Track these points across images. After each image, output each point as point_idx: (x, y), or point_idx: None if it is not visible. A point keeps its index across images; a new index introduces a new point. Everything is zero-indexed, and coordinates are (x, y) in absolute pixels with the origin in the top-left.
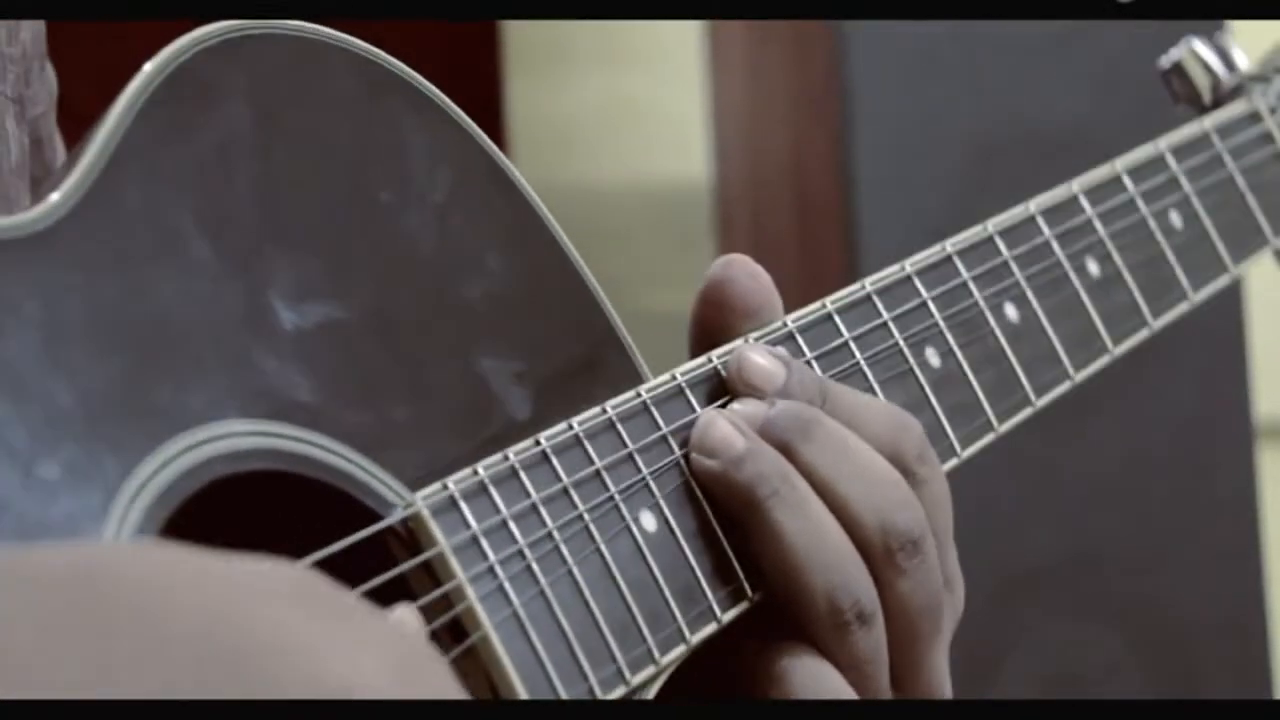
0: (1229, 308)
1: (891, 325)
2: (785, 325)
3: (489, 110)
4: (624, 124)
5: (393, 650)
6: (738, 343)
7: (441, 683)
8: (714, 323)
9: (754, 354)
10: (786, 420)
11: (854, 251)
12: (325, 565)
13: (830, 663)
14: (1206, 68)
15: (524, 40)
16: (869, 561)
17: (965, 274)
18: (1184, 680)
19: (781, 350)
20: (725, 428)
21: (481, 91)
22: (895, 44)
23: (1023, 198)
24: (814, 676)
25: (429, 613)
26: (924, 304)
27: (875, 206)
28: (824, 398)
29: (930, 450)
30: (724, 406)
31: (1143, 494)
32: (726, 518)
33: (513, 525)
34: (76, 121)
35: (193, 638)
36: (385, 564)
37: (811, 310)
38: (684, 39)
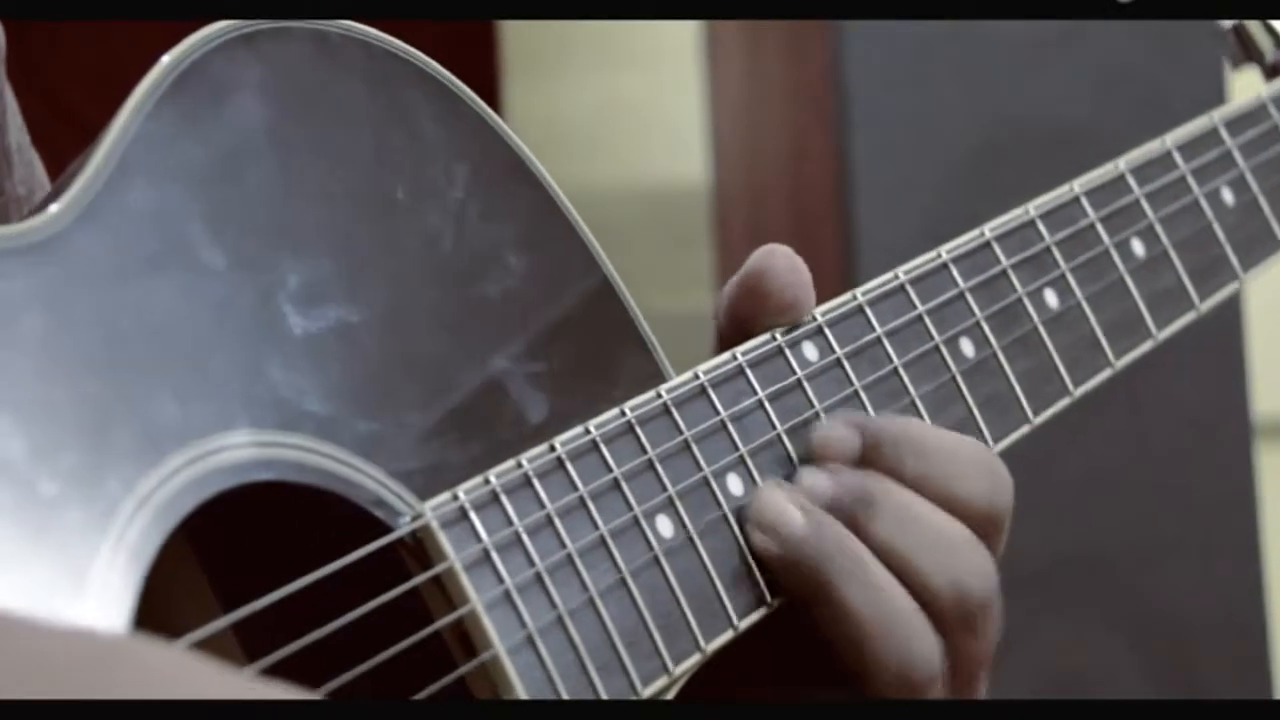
0: (1228, 308)
1: (926, 318)
2: (815, 319)
3: None
4: (622, 125)
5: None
6: (763, 339)
7: None
8: (746, 312)
9: (836, 425)
10: (852, 495)
11: (852, 252)
12: (335, 576)
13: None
14: (1268, 28)
15: (522, 42)
16: (941, 627)
17: (1004, 260)
18: (1184, 680)
19: (858, 416)
20: (784, 504)
21: (480, 93)
22: (894, 44)
23: (1022, 198)
24: None
25: (430, 608)
26: (960, 294)
27: (873, 207)
28: (905, 438)
29: (1011, 498)
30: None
31: (1142, 493)
32: (790, 596)
33: (526, 540)
34: (74, 122)
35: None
36: (395, 572)
37: (843, 303)
38: (681, 40)
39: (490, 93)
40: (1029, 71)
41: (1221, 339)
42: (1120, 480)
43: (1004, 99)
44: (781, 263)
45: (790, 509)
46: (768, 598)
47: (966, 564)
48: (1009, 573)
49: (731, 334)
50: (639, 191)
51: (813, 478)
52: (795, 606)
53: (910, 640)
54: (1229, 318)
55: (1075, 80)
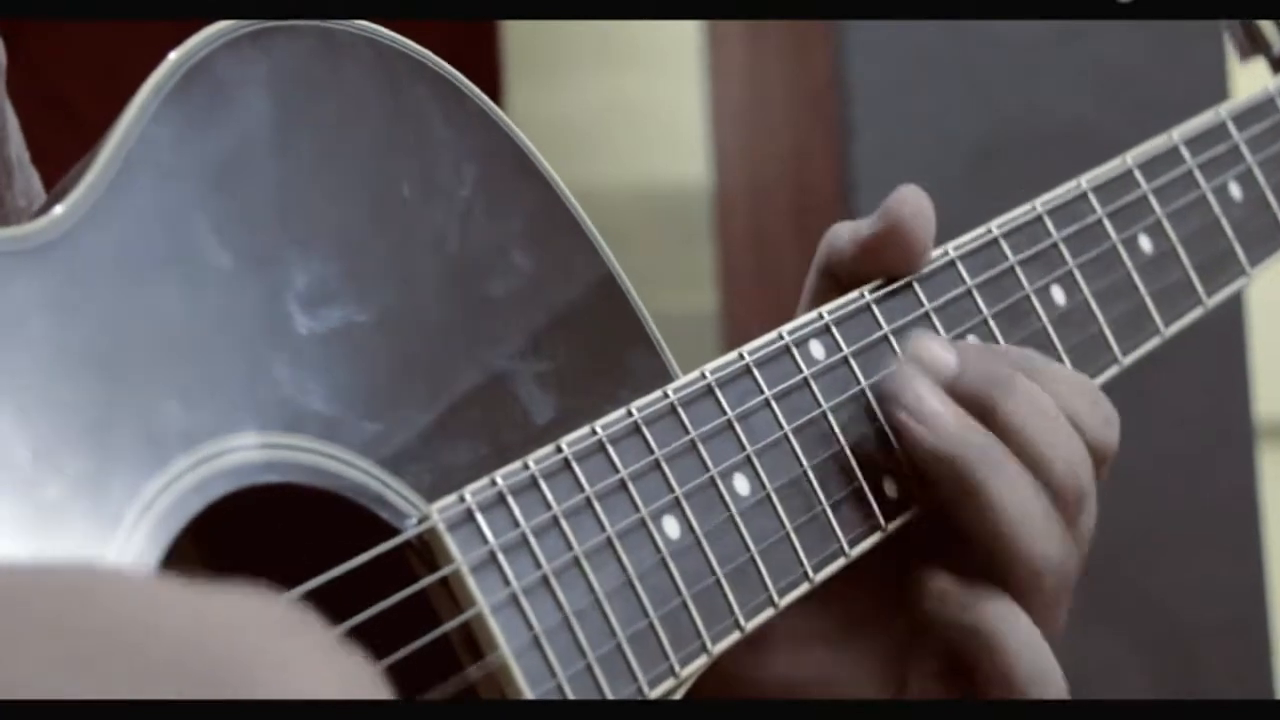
0: (1229, 308)
1: (933, 316)
2: (823, 317)
3: None
4: (623, 126)
5: (353, 674)
6: (770, 337)
7: None
8: (872, 262)
9: (933, 343)
10: (988, 379)
11: None
12: (341, 579)
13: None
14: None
15: (523, 42)
16: (1064, 518)
17: (1011, 256)
18: (1185, 680)
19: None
20: (935, 403)
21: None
22: (895, 44)
23: (1023, 198)
24: (1008, 620)
25: (438, 609)
26: (967, 291)
27: (874, 207)
28: (1025, 371)
29: (1117, 421)
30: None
31: (1144, 493)
32: (932, 489)
33: (533, 541)
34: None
35: (167, 658)
36: (402, 575)
37: (849, 301)
38: (683, 40)
39: (492, 93)
40: (1029, 72)
41: (1223, 340)
42: (1122, 480)
43: (1005, 99)
44: (917, 206)
45: (932, 399)
46: (775, 600)
47: (1079, 453)
48: None
49: (847, 280)
50: (640, 192)
51: (943, 356)
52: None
53: (1048, 536)
54: (1231, 319)
55: (1075, 80)
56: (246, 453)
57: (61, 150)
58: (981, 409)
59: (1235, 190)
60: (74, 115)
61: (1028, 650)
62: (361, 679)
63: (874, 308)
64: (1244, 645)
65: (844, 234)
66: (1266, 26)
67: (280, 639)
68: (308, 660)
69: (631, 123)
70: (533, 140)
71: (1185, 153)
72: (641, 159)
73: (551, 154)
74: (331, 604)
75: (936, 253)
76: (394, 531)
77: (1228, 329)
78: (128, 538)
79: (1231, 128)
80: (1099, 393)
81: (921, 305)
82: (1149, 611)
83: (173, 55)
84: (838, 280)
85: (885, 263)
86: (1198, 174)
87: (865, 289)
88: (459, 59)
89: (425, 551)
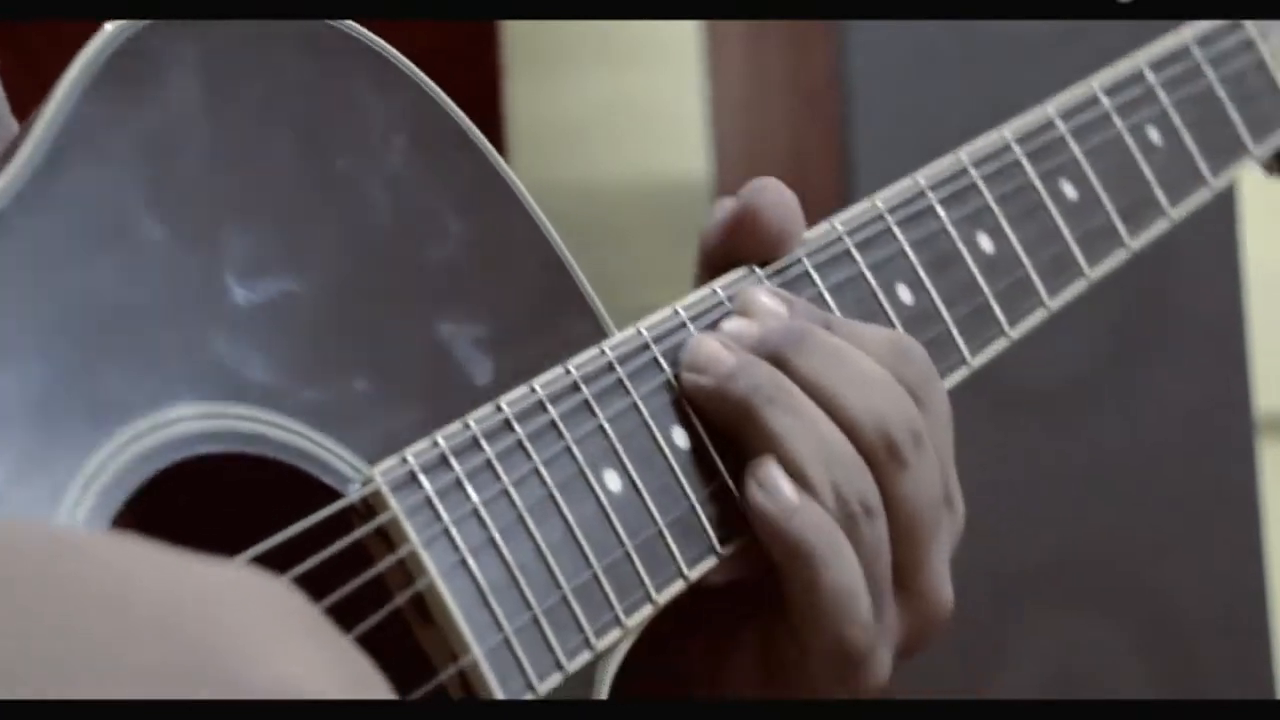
0: (1229, 302)
1: (863, 265)
2: (755, 272)
3: (489, 109)
4: (623, 123)
5: (337, 652)
6: (742, 271)
7: (379, 691)
8: (736, 248)
9: (759, 293)
10: (778, 334)
11: None
12: (286, 545)
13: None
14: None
15: (523, 41)
16: (869, 460)
17: (939, 208)
18: (1184, 679)
19: (784, 291)
20: (715, 345)
21: (481, 91)
22: (895, 43)
23: None
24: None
25: (390, 586)
26: (899, 244)
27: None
28: (826, 325)
29: (934, 373)
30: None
31: (1143, 490)
32: (721, 435)
33: (476, 499)
34: None
35: (154, 623)
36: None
37: (790, 261)
38: (683, 38)
39: (492, 92)
40: (1029, 71)
41: (1223, 335)
42: (1121, 478)
43: (1005, 98)
44: (774, 198)
45: (720, 349)
46: (717, 547)
47: (886, 399)
48: (1009, 571)
49: (718, 265)
50: (640, 189)
51: (739, 323)
52: (735, 450)
53: (840, 464)
54: (1230, 314)
55: (1075, 80)
56: (189, 423)
57: None
58: (777, 361)
59: (1154, 133)
60: None
61: (838, 574)
62: (344, 653)
63: (809, 267)
64: (1244, 644)
65: (712, 220)
66: None
67: (260, 606)
68: (289, 633)
69: (632, 120)
70: (534, 139)
71: (1105, 100)
72: (642, 157)
73: (552, 152)
74: (281, 573)
75: (864, 205)
76: (339, 497)
77: (1227, 325)
78: (72, 512)
79: (1148, 73)
80: (912, 345)
81: (856, 262)
82: (1149, 610)
83: (105, 29)
84: (713, 267)
85: (741, 249)
86: (1116, 118)
87: (801, 251)
88: (458, 59)
89: (370, 514)
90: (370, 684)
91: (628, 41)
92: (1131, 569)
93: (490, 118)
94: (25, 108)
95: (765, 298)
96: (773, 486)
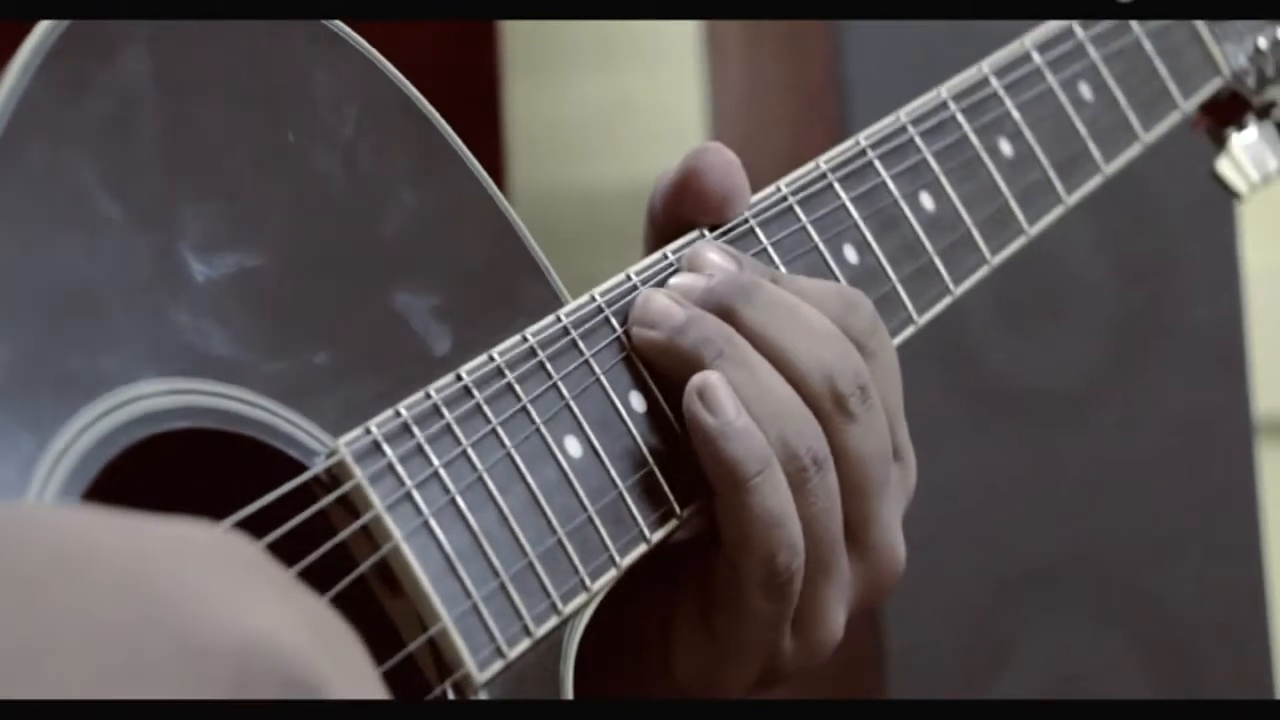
0: (1229, 306)
1: (809, 226)
2: (704, 236)
3: (488, 112)
4: (623, 125)
5: (309, 608)
6: (693, 235)
7: (353, 646)
8: (679, 210)
9: (708, 249)
10: (726, 287)
11: None
12: (253, 520)
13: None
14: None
15: (523, 42)
16: (816, 412)
17: (880, 168)
18: (1184, 680)
19: (733, 249)
20: (664, 300)
21: (481, 93)
22: (894, 44)
23: None
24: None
25: (356, 556)
26: (841, 203)
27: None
28: (774, 280)
29: (881, 325)
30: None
31: (1142, 492)
32: (676, 394)
33: (440, 467)
34: None
35: (112, 583)
36: (316, 515)
37: (735, 226)
38: (682, 39)
39: (491, 94)
40: None
41: (1222, 338)
42: (1121, 480)
43: None
44: (715, 159)
45: (669, 303)
46: (677, 510)
47: (833, 350)
48: (1009, 573)
49: (667, 232)
50: (640, 192)
51: (688, 277)
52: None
53: (788, 416)
54: (1230, 316)
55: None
56: (154, 399)
57: None
58: (725, 314)
59: (1085, 89)
60: None
61: (768, 498)
62: (309, 603)
63: (756, 229)
64: (1243, 645)
65: (656, 186)
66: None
67: (223, 560)
68: (258, 588)
69: (631, 122)
70: (533, 141)
71: (1036, 55)
72: (641, 159)
73: (551, 155)
74: None
75: (808, 167)
76: (304, 470)
77: (1227, 327)
78: (40, 492)
79: (1077, 29)
80: (858, 298)
81: (800, 220)
82: (1148, 611)
83: (42, 24)
84: (662, 234)
85: (688, 212)
86: (1048, 73)
87: (748, 213)
88: (459, 60)
89: (335, 485)
90: (337, 632)
91: (627, 45)
92: (1131, 572)
93: (489, 121)
94: None
95: (713, 253)
96: (716, 405)
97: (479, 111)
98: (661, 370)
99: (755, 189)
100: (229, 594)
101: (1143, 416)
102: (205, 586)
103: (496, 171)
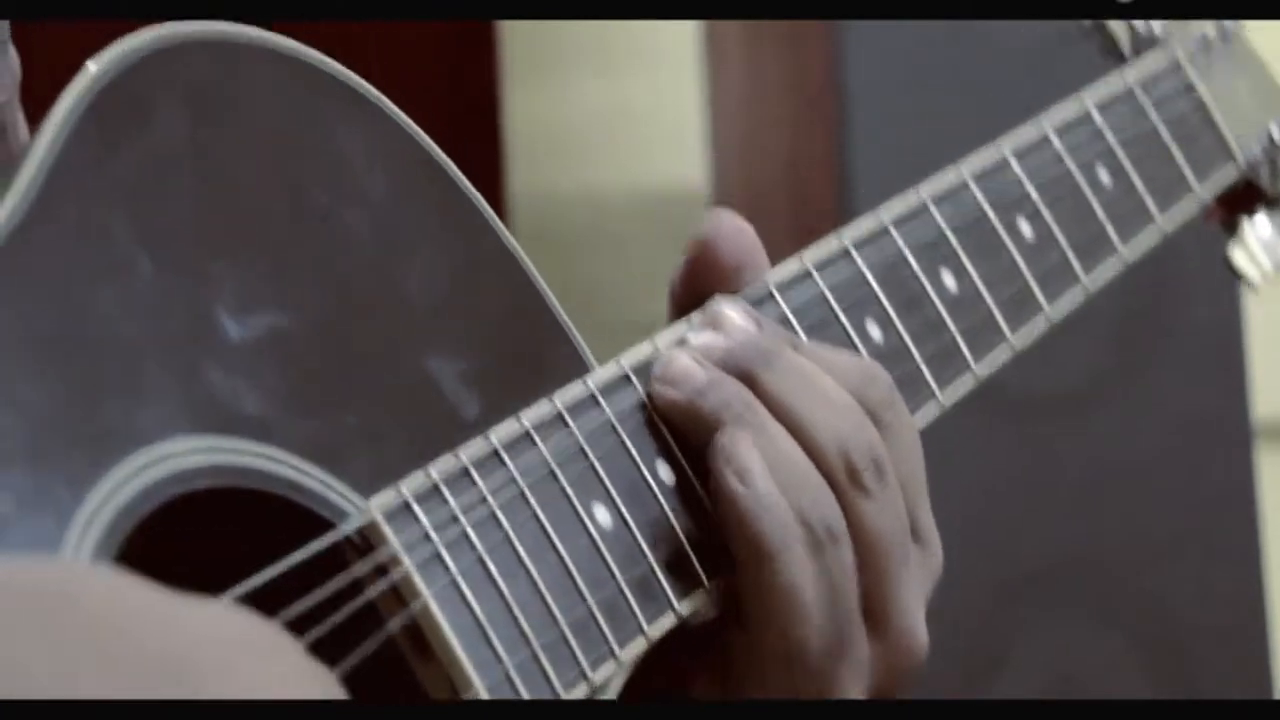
0: (1228, 309)
1: (830, 297)
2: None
3: (487, 116)
4: (621, 129)
5: (331, 695)
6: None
7: None
8: (699, 283)
9: (728, 307)
10: (746, 350)
11: None
12: (283, 580)
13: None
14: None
15: (522, 43)
16: (831, 485)
17: (902, 244)
18: (1184, 680)
19: (753, 310)
20: (686, 360)
21: (479, 97)
22: (893, 45)
23: None
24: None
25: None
26: (863, 277)
27: (873, 208)
28: (794, 347)
29: (899, 399)
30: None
31: (1142, 494)
32: (698, 458)
33: (469, 530)
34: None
35: (146, 681)
36: (346, 576)
37: (759, 293)
38: (681, 42)
39: (490, 98)
40: (1029, 72)
41: (1221, 341)
42: (1120, 481)
43: (1004, 101)
44: (726, 226)
45: (692, 365)
46: (705, 581)
47: (849, 423)
48: (1009, 573)
49: (688, 305)
50: (639, 196)
51: (708, 336)
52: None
53: (804, 487)
54: (1229, 320)
55: (1074, 80)
56: (186, 457)
57: None
58: (745, 378)
59: (1103, 173)
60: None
61: (792, 574)
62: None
63: (777, 296)
64: (1243, 646)
65: (676, 269)
66: (1118, 29)
67: (257, 659)
68: (283, 682)
69: (630, 126)
70: (531, 145)
71: (1055, 139)
72: (640, 161)
73: (550, 159)
74: (276, 607)
75: (829, 239)
76: (334, 529)
77: (1226, 331)
78: (76, 548)
79: (1095, 115)
80: (877, 371)
81: (826, 299)
82: (1147, 612)
83: (90, 70)
84: (681, 312)
85: (705, 283)
86: (1067, 158)
87: (769, 280)
88: (458, 64)
89: (365, 545)
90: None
91: (626, 48)
92: (1130, 574)
93: (488, 125)
94: (31, 111)
95: (734, 312)
96: (747, 475)
97: (478, 116)
98: (683, 431)
99: (755, 189)
100: (249, 679)
101: (1142, 417)
102: (228, 673)
103: (496, 176)
